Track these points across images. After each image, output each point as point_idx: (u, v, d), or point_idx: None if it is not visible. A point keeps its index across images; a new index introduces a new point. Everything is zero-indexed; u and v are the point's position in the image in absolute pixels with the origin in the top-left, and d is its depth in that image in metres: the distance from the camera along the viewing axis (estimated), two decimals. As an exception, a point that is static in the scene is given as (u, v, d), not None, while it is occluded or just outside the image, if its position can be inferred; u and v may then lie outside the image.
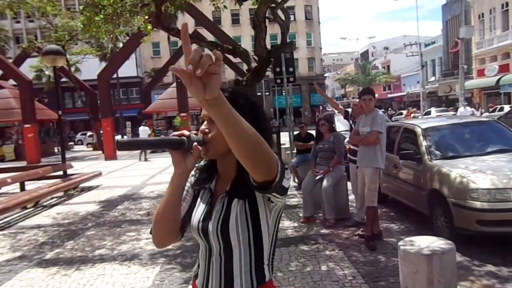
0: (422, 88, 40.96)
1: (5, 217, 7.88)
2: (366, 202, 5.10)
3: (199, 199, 1.42)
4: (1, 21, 38.22)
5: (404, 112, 35.22)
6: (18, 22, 47.62)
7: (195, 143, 1.27)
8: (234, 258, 1.31)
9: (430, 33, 58.07)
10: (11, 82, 24.22)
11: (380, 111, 5.47)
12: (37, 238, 6.45)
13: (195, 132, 1.33)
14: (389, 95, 57.17)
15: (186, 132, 1.28)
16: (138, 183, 11.74)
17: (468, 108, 18.50)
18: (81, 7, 8.03)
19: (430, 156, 5.45)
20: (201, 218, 1.36)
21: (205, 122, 1.33)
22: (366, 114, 5.13)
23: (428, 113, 29.38)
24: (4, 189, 10.28)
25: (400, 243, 3.28)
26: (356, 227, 5.81)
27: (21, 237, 6.53)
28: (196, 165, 1.41)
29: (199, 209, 1.39)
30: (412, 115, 30.12)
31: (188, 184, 1.44)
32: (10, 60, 24.79)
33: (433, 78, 43.94)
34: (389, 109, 44.41)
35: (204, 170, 1.43)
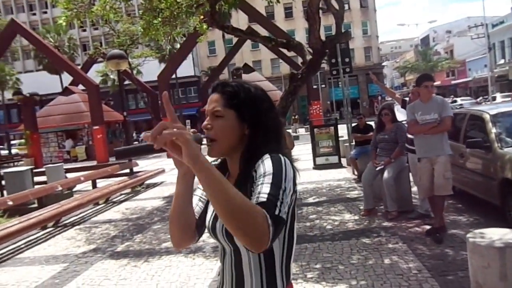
0: (490, 72, 38.36)
1: (80, 213, 8.47)
2: (442, 191, 4.83)
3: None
4: (70, 31, 40.77)
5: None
6: (84, 30, 50.71)
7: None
8: (243, 261, 1.25)
9: (498, 13, 54.03)
10: (80, 87, 25.79)
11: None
12: (108, 232, 6.88)
13: (193, 130, 1.31)
14: (453, 81, 54.19)
15: None
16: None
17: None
18: (140, 12, 8.39)
19: (500, 143, 5.12)
20: (212, 217, 1.32)
21: (208, 118, 1.28)
22: (425, 102, 4.91)
23: (494, 98, 27.22)
24: (78, 186, 11.06)
25: (469, 235, 3.13)
26: (420, 220, 5.61)
27: (95, 231, 6.99)
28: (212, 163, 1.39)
29: (210, 210, 1.34)
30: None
31: None
32: (79, 67, 26.44)
33: (502, 61, 41.00)
34: (452, 96, 42.20)
35: (217, 168, 1.32)
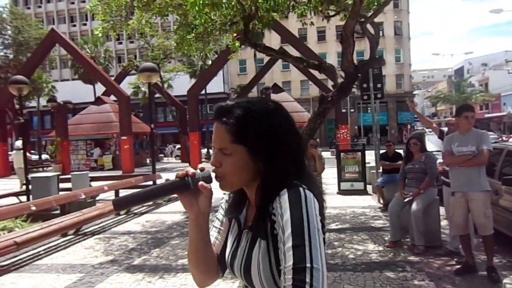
0: (526, 107, 37.23)
1: (101, 222, 8.49)
2: (485, 231, 4.59)
3: (229, 231, 1.24)
4: (107, 43, 42.11)
5: None
6: (121, 43, 52.30)
7: (201, 182, 1.10)
8: None
9: (537, 47, 52.88)
10: (112, 97, 26.42)
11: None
12: (127, 244, 6.83)
13: (201, 167, 1.15)
14: (487, 115, 52.81)
15: (190, 170, 1.11)
16: (221, 194, 12.02)
17: None
18: (175, 27, 8.53)
19: (539, 182, 4.84)
20: (230, 254, 1.19)
21: (215, 153, 1.12)
22: (463, 133, 4.69)
23: None
24: (101, 195, 11.14)
25: (505, 280, 2.90)
26: (448, 257, 5.32)
27: (113, 242, 6.96)
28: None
29: (229, 243, 1.22)
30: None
31: (222, 212, 1.27)
32: (112, 78, 27.15)
33: (539, 96, 39.78)
34: (484, 129, 41.05)
35: (235, 195, 1.22)
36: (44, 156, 32.01)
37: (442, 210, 5.96)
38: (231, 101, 1.14)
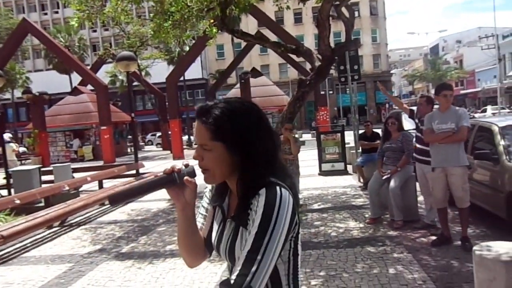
0: (500, 83, 38.17)
1: (86, 213, 8.52)
2: (462, 203, 4.84)
3: (214, 217, 1.37)
4: (80, 31, 41.12)
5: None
6: (95, 31, 51.14)
7: (186, 177, 1.25)
8: None
9: (509, 24, 54.03)
10: (89, 87, 26.00)
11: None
12: (114, 232, 6.91)
13: (186, 163, 1.29)
14: (462, 91, 53.94)
15: (177, 166, 1.26)
16: (205, 184, 12.11)
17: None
18: (151, 15, 8.46)
19: (508, 156, 5.10)
20: (216, 239, 1.33)
21: (197, 149, 1.25)
22: (443, 111, 4.88)
23: (484, 111, 27.37)
24: (84, 186, 11.12)
25: (475, 247, 3.11)
26: (425, 230, 5.59)
27: (100, 232, 7.03)
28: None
29: (215, 228, 1.35)
30: None
31: (207, 200, 1.42)
32: (88, 67, 26.65)
33: (512, 72, 40.82)
34: (461, 106, 41.99)
35: (218, 186, 1.35)
36: (21, 149, 31.39)
37: (417, 186, 6.20)
38: (210, 102, 1.27)
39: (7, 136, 16.14)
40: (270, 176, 1.21)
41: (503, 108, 27.57)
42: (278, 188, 1.17)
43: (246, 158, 1.21)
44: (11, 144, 15.97)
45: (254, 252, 1.11)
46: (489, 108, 28.32)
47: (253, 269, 1.10)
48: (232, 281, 1.12)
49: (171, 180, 1.24)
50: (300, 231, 1.27)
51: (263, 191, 1.17)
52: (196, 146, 1.28)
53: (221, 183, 1.32)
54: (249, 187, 1.20)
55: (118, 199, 1.25)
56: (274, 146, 1.28)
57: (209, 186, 1.41)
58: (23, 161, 24.80)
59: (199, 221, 1.40)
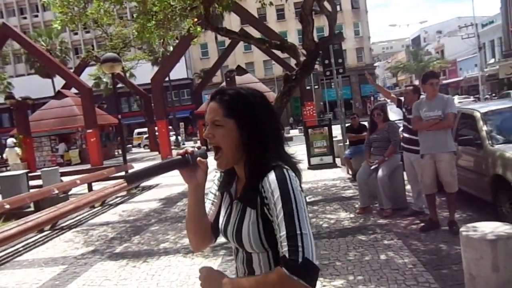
0: (481, 72, 38.80)
1: (77, 216, 8.49)
2: (451, 188, 4.97)
3: (222, 202, 1.44)
4: (61, 34, 40.56)
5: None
6: (76, 34, 50.42)
7: (199, 158, 1.32)
8: (253, 259, 1.32)
9: (488, 13, 54.79)
10: (73, 90, 25.69)
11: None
12: (106, 234, 6.91)
13: (198, 145, 1.38)
14: (444, 81, 54.66)
15: (189, 149, 1.33)
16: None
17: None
18: (134, 15, 8.43)
19: (491, 141, 5.25)
20: (224, 221, 1.39)
21: (208, 127, 1.32)
22: (430, 99, 5.00)
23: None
24: (73, 190, 11.06)
25: (462, 229, 3.23)
26: (414, 216, 5.72)
27: (92, 233, 7.02)
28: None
29: (222, 213, 1.42)
30: None
31: (215, 187, 1.48)
32: (71, 70, 26.33)
33: (492, 60, 41.44)
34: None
35: (226, 173, 1.42)
36: (5, 155, 30.93)
37: (405, 175, 6.33)
38: (225, 87, 1.39)
39: (10, 141, 16.51)
40: (276, 160, 1.27)
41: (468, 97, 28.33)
42: (284, 170, 1.24)
43: (254, 137, 1.28)
44: (16, 148, 16.48)
45: (292, 230, 1.15)
46: (456, 98, 29.02)
47: (299, 243, 1.14)
48: (285, 251, 1.14)
49: (185, 161, 1.31)
50: None
51: (271, 172, 1.23)
52: (206, 126, 1.36)
53: (230, 170, 1.39)
54: (256, 168, 1.27)
55: (134, 178, 1.31)
56: (279, 129, 1.37)
57: (218, 175, 1.47)
58: (7, 168, 24.45)
59: (208, 206, 1.46)
